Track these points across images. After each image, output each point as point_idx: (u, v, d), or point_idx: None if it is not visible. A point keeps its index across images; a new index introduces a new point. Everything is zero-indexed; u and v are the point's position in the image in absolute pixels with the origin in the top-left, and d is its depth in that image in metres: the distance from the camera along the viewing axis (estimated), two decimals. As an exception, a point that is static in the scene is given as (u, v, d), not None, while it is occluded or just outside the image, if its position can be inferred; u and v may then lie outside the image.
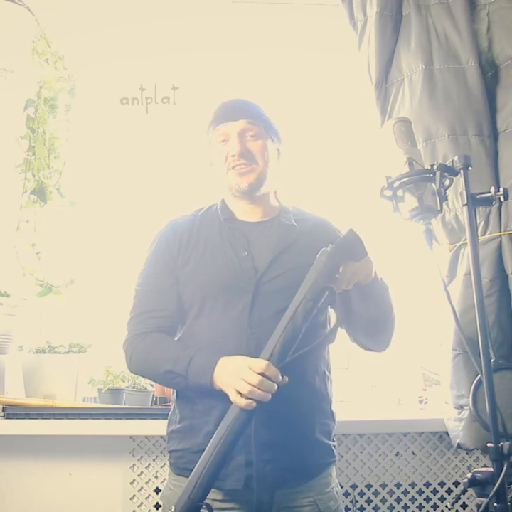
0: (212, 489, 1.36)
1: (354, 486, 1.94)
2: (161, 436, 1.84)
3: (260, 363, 1.24)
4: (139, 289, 1.51)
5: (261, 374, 1.23)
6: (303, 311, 1.25)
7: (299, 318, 1.24)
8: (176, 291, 1.47)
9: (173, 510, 1.22)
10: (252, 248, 1.47)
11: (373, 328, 1.46)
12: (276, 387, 1.24)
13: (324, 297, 1.27)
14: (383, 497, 1.95)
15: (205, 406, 1.37)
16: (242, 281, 1.42)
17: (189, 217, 1.56)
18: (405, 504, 1.96)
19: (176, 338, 1.50)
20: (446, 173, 1.23)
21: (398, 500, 1.96)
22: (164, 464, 1.86)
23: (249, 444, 1.31)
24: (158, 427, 1.70)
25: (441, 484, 1.98)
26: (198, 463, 1.23)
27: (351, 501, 1.91)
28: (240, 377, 1.24)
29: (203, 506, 1.21)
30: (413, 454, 1.98)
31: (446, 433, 1.94)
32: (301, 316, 1.24)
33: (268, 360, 1.24)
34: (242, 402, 1.23)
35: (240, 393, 1.24)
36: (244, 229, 1.51)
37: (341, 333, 1.57)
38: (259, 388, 1.22)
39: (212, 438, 1.23)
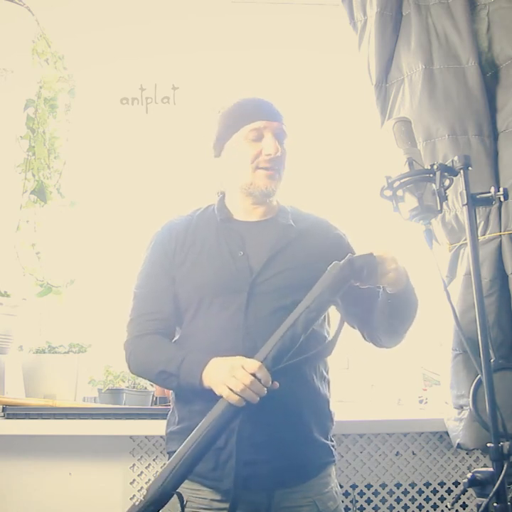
0: (210, 489, 1.36)
1: (354, 486, 1.94)
2: (161, 436, 1.83)
3: (253, 364, 1.24)
4: (137, 291, 1.52)
5: (253, 374, 1.23)
6: (304, 321, 1.24)
7: (300, 327, 1.24)
8: (173, 292, 1.47)
9: (144, 494, 1.21)
10: (247, 248, 1.46)
11: (392, 332, 1.48)
12: (265, 391, 1.24)
13: (328, 309, 1.27)
14: (383, 497, 1.95)
15: (203, 407, 1.35)
16: (237, 281, 1.42)
17: (185, 218, 1.56)
18: (405, 504, 1.96)
19: (174, 339, 1.50)
20: (446, 173, 1.23)
21: (398, 500, 1.96)
22: (164, 464, 1.85)
23: (247, 443, 1.32)
24: (158, 427, 1.70)
25: (441, 484, 1.98)
26: (177, 452, 1.22)
27: (351, 501, 1.91)
28: (232, 375, 1.24)
29: (175, 494, 1.21)
30: (413, 454, 1.98)
31: (446, 433, 1.94)
32: (301, 325, 1.24)
33: (262, 362, 1.24)
34: (235, 397, 1.23)
35: (231, 390, 1.24)
36: (240, 229, 1.50)
37: (341, 333, 1.57)
38: (250, 388, 1.22)
39: (195, 430, 1.23)
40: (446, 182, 1.23)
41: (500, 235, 1.91)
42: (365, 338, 1.55)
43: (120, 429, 1.83)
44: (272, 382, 1.24)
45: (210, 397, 1.28)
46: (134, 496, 1.86)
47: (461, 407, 1.87)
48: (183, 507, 1.21)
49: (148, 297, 1.49)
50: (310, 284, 1.28)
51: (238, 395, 1.22)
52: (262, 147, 1.45)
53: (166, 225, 1.56)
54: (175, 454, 1.22)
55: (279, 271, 1.42)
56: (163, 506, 1.19)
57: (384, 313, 1.42)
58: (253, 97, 1.53)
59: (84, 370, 2.03)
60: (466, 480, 1.16)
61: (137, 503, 1.19)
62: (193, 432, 1.23)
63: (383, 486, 1.96)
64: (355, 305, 1.45)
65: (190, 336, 1.46)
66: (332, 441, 1.48)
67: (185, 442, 1.22)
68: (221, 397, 1.25)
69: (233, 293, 1.41)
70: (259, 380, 1.23)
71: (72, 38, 2.23)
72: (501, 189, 1.21)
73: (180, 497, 1.21)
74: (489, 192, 1.21)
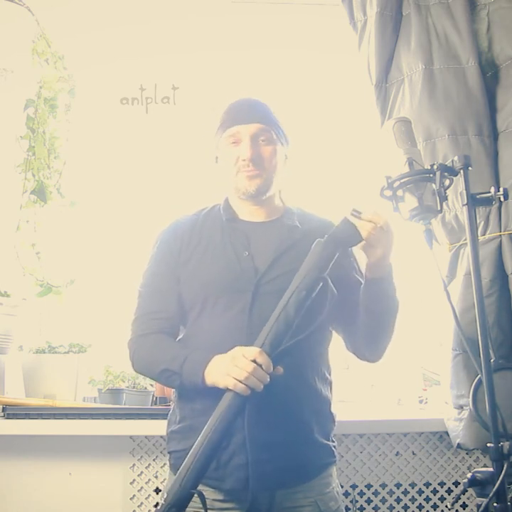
0: (212, 489, 1.36)
1: (354, 486, 1.94)
2: (161, 436, 1.84)
3: (253, 351, 1.25)
4: (142, 290, 1.52)
5: (254, 361, 1.24)
6: (296, 301, 1.25)
7: (292, 308, 1.25)
8: (178, 292, 1.48)
9: (165, 497, 1.21)
10: (253, 248, 1.47)
11: (371, 337, 1.47)
12: (268, 377, 1.24)
13: (318, 288, 1.27)
14: (383, 497, 1.95)
15: (205, 406, 1.36)
16: (242, 281, 1.42)
17: (191, 217, 1.57)
18: (405, 504, 1.96)
19: (178, 338, 1.51)
20: (446, 173, 1.23)
21: (398, 500, 1.96)
22: (164, 464, 1.86)
23: (249, 443, 1.32)
24: (158, 427, 1.70)
25: (441, 484, 1.98)
26: (191, 451, 1.23)
27: (351, 501, 1.91)
28: (234, 364, 1.25)
29: (195, 494, 1.20)
30: (413, 454, 1.98)
31: (446, 433, 1.94)
32: (293, 306, 1.25)
33: (261, 348, 1.25)
34: (242, 386, 1.23)
35: (236, 380, 1.24)
36: (246, 229, 1.51)
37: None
38: (253, 375, 1.23)
39: (205, 427, 1.23)
40: (446, 182, 1.23)
41: (500, 235, 1.91)
42: (347, 348, 1.55)
43: (120, 429, 1.83)
44: (275, 368, 1.25)
45: (213, 395, 1.28)
46: (133, 495, 1.86)
47: (461, 407, 1.87)
48: (205, 505, 1.21)
49: (153, 296, 1.50)
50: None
51: (243, 383, 1.23)
52: (240, 152, 1.47)
53: (172, 224, 1.56)
54: (190, 451, 1.23)
55: (284, 271, 1.42)
56: (185, 507, 1.20)
57: (363, 309, 1.42)
58: (236, 101, 1.55)
59: (84, 370, 2.03)
60: (466, 480, 1.16)
61: (159, 508, 1.19)
62: (204, 428, 1.23)
63: (383, 486, 1.96)
64: (341, 306, 1.45)
65: (195, 335, 1.46)
66: (333, 441, 1.48)
67: (198, 439, 1.23)
68: (225, 392, 1.26)
69: (238, 293, 1.41)
70: (261, 366, 1.24)
71: (72, 38, 2.23)
72: (501, 189, 1.21)
73: (201, 496, 1.21)
74: (489, 192, 1.21)
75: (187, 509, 1.21)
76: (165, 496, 1.21)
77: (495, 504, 1.09)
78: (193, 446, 1.23)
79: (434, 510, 1.97)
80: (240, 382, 1.23)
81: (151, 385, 2.02)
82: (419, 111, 2.00)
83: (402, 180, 1.24)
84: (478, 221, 1.91)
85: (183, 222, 1.55)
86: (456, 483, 1.98)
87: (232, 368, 1.25)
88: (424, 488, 1.98)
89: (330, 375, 1.50)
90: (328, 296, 1.27)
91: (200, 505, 1.22)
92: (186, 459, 1.22)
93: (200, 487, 1.30)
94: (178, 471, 1.22)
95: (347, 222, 1.31)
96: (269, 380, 1.25)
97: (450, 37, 2.04)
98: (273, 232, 1.49)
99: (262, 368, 1.24)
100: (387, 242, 1.34)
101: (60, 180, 2.13)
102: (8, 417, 1.80)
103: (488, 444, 1.11)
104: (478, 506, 1.13)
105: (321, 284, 1.27)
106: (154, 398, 2.03)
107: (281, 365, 1.27)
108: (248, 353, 1.25)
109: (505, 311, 1.88)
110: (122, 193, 2.35)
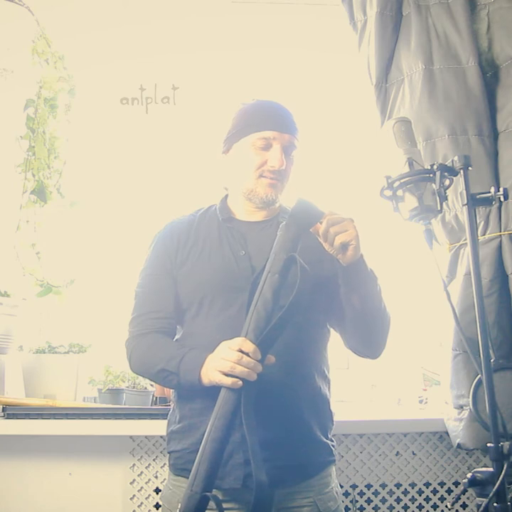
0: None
1: (354, 486, 1.94)
2: (161, 436, 1.84)
3: (236, 341, 1.26)
4: (139, 290, 1.53)
5: (239, 351, 1.24)
6: (270, 285, 1.26)
7: (268, 293, 1.26)
8: (174, 291, 1.48)
9: (179, 507, 1.22)
10: (249, 247, 1.48)
11: (362, 326, 1.45)
12: (259, 365, 1.24)
13: (290, 269, 1.27)
14: (383, 497, 1.95)
15: (204, 405, 1.37)
16: (239, 280, 1.42)
17: (188, 218, 1.57)
18: (405, 504, 1.96)
19: (175, 338, 1.51)
20: (446, 173, 1.23)
21: (398, 500, 1.96)
22: (164, 464, 1.86)
23: (247, 442, 1.32)
24: (158, 427, 1.70)
25: (441, 484, 1.98)
26: (197, 455, 1.23)
27: (351, 501, 1.91)
28: (220, 358, 1.26)
29: (210, 497, 1.20)
30: (413, 454, 1.98)
31: (446, 433, 1.94)
32: (268, 290, 1.26)
33: (245, 337, 1.25)
34: (228, 380, 1.24)
35: (225, 374, 1.25)
36: (242, 228, 1.52)
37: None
38: (239, 364, 1.23)
39: (207, 429, 1.24)
40: (446, 182, 1.23)
41: (500, 235, 1.90)
42: (345, 345, 1.54)
43: (120, 429, 1.83)
44: (266, 357, 1.25)
45: (212, 394, 1.28)
46: (133, 495, 1.86)
47: (461, 407, 1.87)
48: (221, 508, 1.20)
49: (150, 296, 1.50)
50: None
51: (231, 375, 1.24)
52: (268, 158, 1.46)
53: (168, 225, 1.57)
54: (197, 456, 1.23)
55: None
56: (202, 511, 1.20)
57: (344, 301, 1.41)
58: (270, 103, 1.52)
59: (84, 370, 2.03)
60: (466, 480, 1.16)
61: None
62: (206, 431, 1.24)
63: (383, 486, 1.96)
64: (331, 300, 1.45)
65: (192, 334, 1.46)
66: (332, 441, 1.48)
67: (201, 444, 1.23)
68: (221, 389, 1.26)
69: (235, 292, 1.42)
70: (247, 354, 1.24)
71: (72, 38, 2.23)
72: (501, 189, 1.21)
73: (216, 498, 1.21)
74: (489, 192, 1.21)
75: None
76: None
77: (495, 504, 1.09)
78: (199, 450, 1.23)
79: (434, 510, 1.97)
80: (229, 374, 1.24)
81: (151, 385, 2.02)
82: (419, 111, 2.00)
83: (402, 180, 1.24)
84: (478, 221, 1.91)
85: (179, 223, 1.56)
86: (456, 483, 1.98)
87: (219, 362, 1.26)
88: (424, 488, 1.98)
89: (329, 373, 1.50)
90: (299, 272, 1.26)
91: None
92: (194, 463, 1.23)
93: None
94: (189, 477, 1.23)
95: (302, 201, 1.32)
96: (261, 368, 1.25)
97: (450, 37, 2.04)
98: (269, 231, 1.49)
99: (250, 356, 1.24)
100: (347, 226, 1.33)
101: (60, 180, 2.13)
102: (8, 417, 1.80)
103: (488, 444, 1.11)
104: (478, 506, 1.13)
105: (293, 265, 1.27)
106: (154, 398, 2.03)
107: (282, 361, 1.28)
108: (232, 344, 1.26)
109: (505, 311, 1.88)
110: (122, 193, 2.35)
